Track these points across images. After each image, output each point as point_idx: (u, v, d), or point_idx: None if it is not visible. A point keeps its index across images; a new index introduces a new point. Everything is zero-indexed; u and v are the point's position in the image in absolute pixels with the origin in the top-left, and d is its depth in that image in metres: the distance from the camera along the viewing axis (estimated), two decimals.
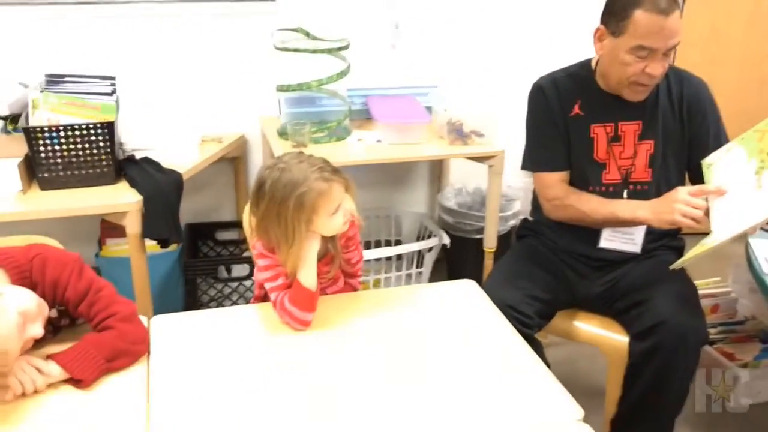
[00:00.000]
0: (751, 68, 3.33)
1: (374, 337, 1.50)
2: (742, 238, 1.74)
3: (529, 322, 1.82)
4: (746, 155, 1.64)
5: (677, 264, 1.70)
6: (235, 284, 2.73)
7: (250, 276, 2.70)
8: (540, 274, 1.96)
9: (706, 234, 1.66)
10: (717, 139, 1.87)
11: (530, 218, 2.19)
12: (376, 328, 1.54)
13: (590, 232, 1.98)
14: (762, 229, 1.92)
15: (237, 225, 2.99)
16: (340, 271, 1.70)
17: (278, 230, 1.50)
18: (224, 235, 3.00)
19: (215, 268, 2.70)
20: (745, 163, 1.63)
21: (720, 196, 1.66)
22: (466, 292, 1.70)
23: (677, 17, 1.73)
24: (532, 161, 2.05)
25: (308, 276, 1.54)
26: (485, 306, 1.64)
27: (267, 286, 1.58)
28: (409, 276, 2.88)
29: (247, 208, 1.87)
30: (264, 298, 1.66)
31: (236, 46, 2.79)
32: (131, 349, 1.40)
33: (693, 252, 1.62)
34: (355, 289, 1.76)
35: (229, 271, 2.83)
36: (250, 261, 2.71)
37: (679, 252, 2.00)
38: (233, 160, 2.89)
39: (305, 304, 1.52)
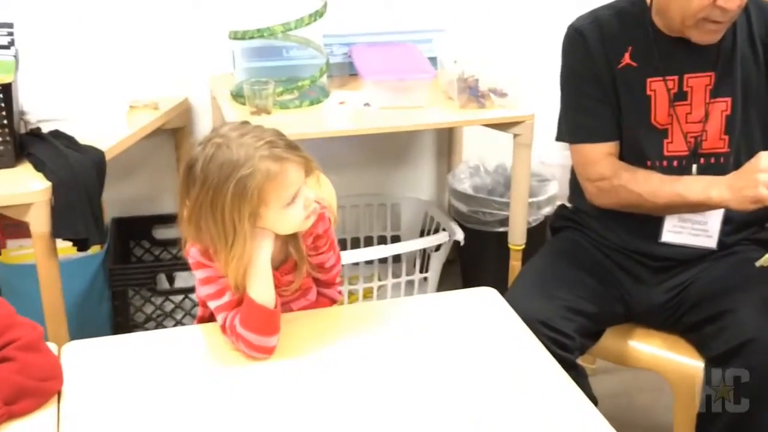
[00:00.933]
0: None
1: (360, 366, 1.49)
2: None
3: (569, 344, 1.81)
4: None
5: (765, 259, 1.69)
6: (179, 298, 2.73)
7: None
8: (583, 279, 1.96)
9: None
10: None
11: (569, 205, 2.19)
12: (363, 354, 1.53)
13: (649, 222, 1.98)
14: None
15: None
16: (311, 279, 1.70)
17: (213, 228, 1.48)
18: (164, 233, 3.00)
19: (152, 276, 2.70)
20: None
21: None
22: (484, 303, 1.69)
23: None
24: (570, 130, 2.05)
25: (261, 289, 1.52)
26: (510, 322, 1.64)
27: (211, 305, 1.57)
28: (410, 284, 2.89)
29: None
30: (211, 317, 1.65)
31: None
32: (38, 387, 1.38)
33: None
34: (333, 302, 1.76)
35: (171, 280, 2.84)
36: None
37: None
38: (174, 132, 2.89)
39: (263, 327, 1.51)
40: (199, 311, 1.73)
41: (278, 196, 1.48)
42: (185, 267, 2.75)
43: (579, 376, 1.77)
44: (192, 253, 1.58)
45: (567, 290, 1.91)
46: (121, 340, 1.62)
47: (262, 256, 1.52)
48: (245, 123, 1.55)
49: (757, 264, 1.72)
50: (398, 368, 1.49)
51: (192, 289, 2.72)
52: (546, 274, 1.99)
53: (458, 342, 1.57)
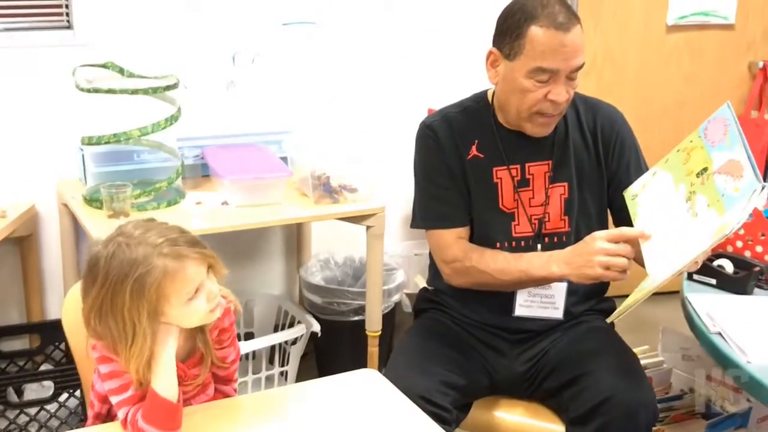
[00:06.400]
0: (650, 95, 3.72)
1: None
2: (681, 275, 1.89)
3: (447, 417, 1.88)
4: (673, 180, 1.84)
5: (615, 315, 1.85)
6: (33, 410, 2.61)
7: (55, 397, 2.60)
8: (451, 356, 2.04)
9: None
10: (639, 174, 2.06)
11: (429, 287, 2.28)
12: None
13: (503, 298, 2.10)
14: (696, 280, 2.14)
15: (27, 329, 2.87)
16: (210, 374, 1.69)
17: (114, 325, 1.48)
18: (10, 345, 2.87)
19: (2, 390, 2.57)
20: (673, 190, 1.82)
21: (645, 240, 1.83)
22: (369, 384, 1.73)
23: (579, 33, 1.93)
24: (425, 217, 2.16)
25: (165, 383, 1.51)
26: (396, 400, 1.67)
27: (113, 399, 1.54)
28: (269, 379, 2.88)
29: (70, 296, 1.82)
30: (106, 417, 1.61)
31: (21, 87, 2.75)
32: None
33: (631, 298, 1.77)
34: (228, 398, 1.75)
35: (20, 393, 2.70)
36: (50, 376, 2.62)
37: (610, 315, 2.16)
38: (20, 240, 2.81)
39: (165, 421, 1.49)
40: (96, 408, 1.67)
41: (178, 292, 1.49)
42: (35, 378, 2.67)
43: None
44: (98, 347, 1.55)
45: (439, 365, 1.98)
46: None
47: (167, 350, 1.52)
48: (150, 220, 1.56)
49: (608, 320, 1.90)
50: None
51: (46, 401, 2.62)
52: (418, 352, 2.05)
53: (355, 423, 1.59)
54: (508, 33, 1.95)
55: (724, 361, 1.81)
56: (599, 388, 1.88)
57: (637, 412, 1.85)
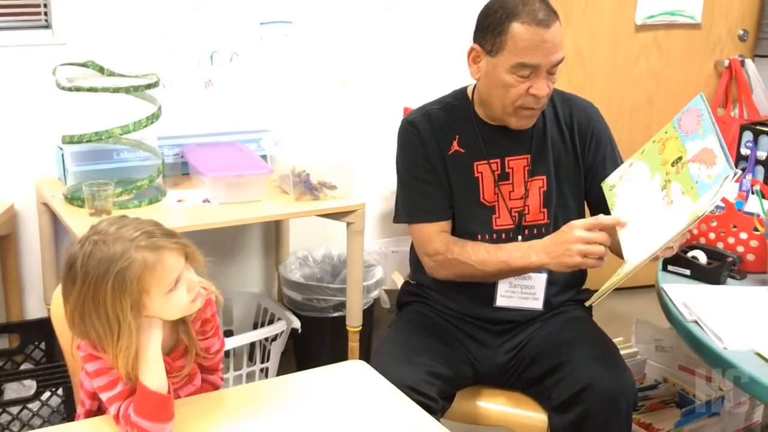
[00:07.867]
0: (620, 93, 3.79)
1: None
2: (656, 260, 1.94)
3: (434, 406, 1.91)
4: (649, 170, 1.89)
5: (594, 298, 1.89)
6: (15, 409, 2.59)
7: (37, 396, 2.59)
8: (436, 346, 2.08)
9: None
10: (615, 167, 2.10)
11: (412, 281, 2.32)
12: None
13: (484, 289, 2.14)
14: (671, 271, 2.19)
15: (7, 329, 2.85)
16: (195, 365, 1.70)
17: (98, 323, 1.49)
18: None
19: None
20: (649, 179, 1.88)
21: (621, 227, 1.88)
22: (358, 375, 1.75)
23: (558, 29, 1.98)
24: (408, 212, 2.19)
25: (154, 376, 1.53)
26: (386, 390, 1.70)
27: (103, 396, 1.55)
28: (250, 376, 2.89)
29: (58, 294, 1.82)
30: (97, 412, 1.62)
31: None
32: None
33: (609, 282, 1.83)
34: (216, 388, 1.76)
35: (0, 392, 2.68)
36: (32, 375, 2.60)
37: (589, 306, 2.21)
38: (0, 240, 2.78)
39: (157, 413, 1.50)
40: (86, 405, 1.67)
41: (159, 284, 1.50)
42: (16, 377, 2.65)
43: None
44: (82, 346, 1.56)
45: (425, 356, 2.01)
46: None
47: (152, 343, 1.53)
48: (123, 217, 1.57)
49: (587, 303, 1.95)
50: None
51: (29, 399, 2.61)
52: (404, 343, 2.08)
53: (345, 413, 1.61)
54: (490, 29, 1.99)
55: (700, 348, 1.86)
56: (580, 376, 1.93)
57: (618, 399, 1.90)
